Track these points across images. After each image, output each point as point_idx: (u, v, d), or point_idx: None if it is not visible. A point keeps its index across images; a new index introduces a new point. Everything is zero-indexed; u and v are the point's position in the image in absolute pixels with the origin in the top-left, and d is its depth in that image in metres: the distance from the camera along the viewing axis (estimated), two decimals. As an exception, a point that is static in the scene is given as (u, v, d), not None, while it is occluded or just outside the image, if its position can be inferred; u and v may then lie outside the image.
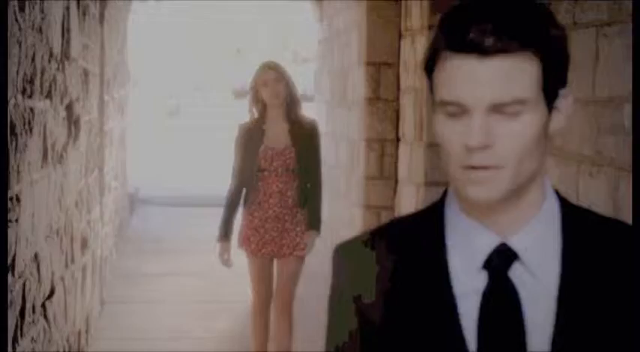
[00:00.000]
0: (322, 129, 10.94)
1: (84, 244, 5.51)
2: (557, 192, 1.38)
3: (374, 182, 8.68)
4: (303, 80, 23.62)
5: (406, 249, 1.37)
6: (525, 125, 1.25)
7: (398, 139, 7.81)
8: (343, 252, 1.43)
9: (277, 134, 5.19)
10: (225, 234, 5.29)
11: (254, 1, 23.55)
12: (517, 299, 1.30)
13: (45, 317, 3.91)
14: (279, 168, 5.14)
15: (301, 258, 5.27)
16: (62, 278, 4.47)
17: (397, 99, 7.82)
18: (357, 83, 8.86)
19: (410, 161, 7.20)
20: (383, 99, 8.49)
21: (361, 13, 8.67)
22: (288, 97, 5.21)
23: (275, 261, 5.31)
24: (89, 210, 5.94)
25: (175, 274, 8.59)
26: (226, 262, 5.32)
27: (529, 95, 1.24)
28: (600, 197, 3.72)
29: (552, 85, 1.28)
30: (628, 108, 3.43)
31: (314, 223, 5.27)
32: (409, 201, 7.20)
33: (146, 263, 9.11)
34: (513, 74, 1.23)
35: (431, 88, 1.32)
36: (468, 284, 1.32)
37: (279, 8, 23.26)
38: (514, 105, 1.24)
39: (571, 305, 1.30)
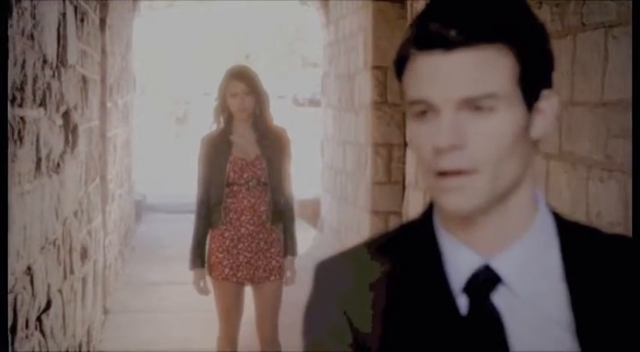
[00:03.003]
0: (329, 134, 10.88)
1: (84, 254, 5.42)
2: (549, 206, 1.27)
3: (381, 187, 8.59)
4: (311, 85, 23.53)
5: (401, 262, 1.25)
6: (500, 123, 1.14)
7: (405, 144, 7.71)
8: (328, 268, 1.31)
9: (246, 145, 4.78)
10: (201, 259, 4.86)
11: (262, 7, 23.49)
12: (500, 327, 1.18)
13: (41, 330, 3.82)
14: (250, 181, 4.73)
15: (280, 284, 4.88)
16: (60, 290, 4.38)
17: (404, 103, 7.71)
18: (364, 87, 8.78)
19: (417, 165, 7.10)
20: (390, 103, 8.41)
21: (367, 17, 8.59)
22: (257, 108, 4.80)
23: (248, 288, 4.91)
24: (90, 220, 5.84)
25: (182, 282, 8.44)
26: (203, 290, 4.94)
27: (501, 89, 1.14)
28: (611, 203, 3.61)
29: (530, 82, 1.17)
30: None
31: (292, 248, 4.90)
32: (417, 207, 7.10)
33: (152, 271, 9.01)
34: (482, 67, 1.13)
35: (403, 92, 1.22)
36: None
37: (287, 13, 23.20)
38: (485, 100, 1.13)
39: (591, 333, 1.18)
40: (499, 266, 1.20)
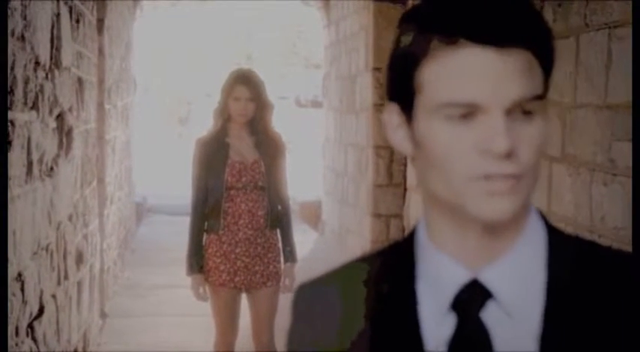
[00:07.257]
0: (331, 135, 10.80)
1: (79, 258, 5.34)
2: (541, 214, 1.18)
3: (383, 189, 8.51)
4: (314, 86, 23.46)
5: (376, 290, 1.17)
6: (540, 127, 1.08)
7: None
8: (308, 293, 1.24)
9: (243, 147, 4.71)
10: (198, 264, 4.78)
11: (264, 8, 23.43)
12: (489, 346, 1.10)
13: (33, 337, 3.74)
14: (248, 185, 4.66)
15: (277, 291, 4.80)
16: (54, 296, 4.30)
17: (405, 104, 7.64)
18: (365, 89, 8.71)
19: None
20: (391, 105, 8.33)
21: (368, 18, 8.52)
22: (258, 114, 4.71)
23: (245, 294, 4.84)
24: (86, 223, 5.76)
25: (183, 286, 8.34)
26: (202, 297, 4.85)
27: (542, 93, 1.08)
28: (616, 207, 3.53)
29: (546, 88, 1.11)
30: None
31: (291, 255, 4.83)
32: (419, 209, 7.03)
33: (152, 274, 8.92)
34: (529, 69, 1.06)
35: (403, 87, 1.11)
36: (438, 331, 1.12)
37: (289, 14, 23.14)
38: (532, 103, 1.07)
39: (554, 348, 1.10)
40: (488, 278, 1.12)
